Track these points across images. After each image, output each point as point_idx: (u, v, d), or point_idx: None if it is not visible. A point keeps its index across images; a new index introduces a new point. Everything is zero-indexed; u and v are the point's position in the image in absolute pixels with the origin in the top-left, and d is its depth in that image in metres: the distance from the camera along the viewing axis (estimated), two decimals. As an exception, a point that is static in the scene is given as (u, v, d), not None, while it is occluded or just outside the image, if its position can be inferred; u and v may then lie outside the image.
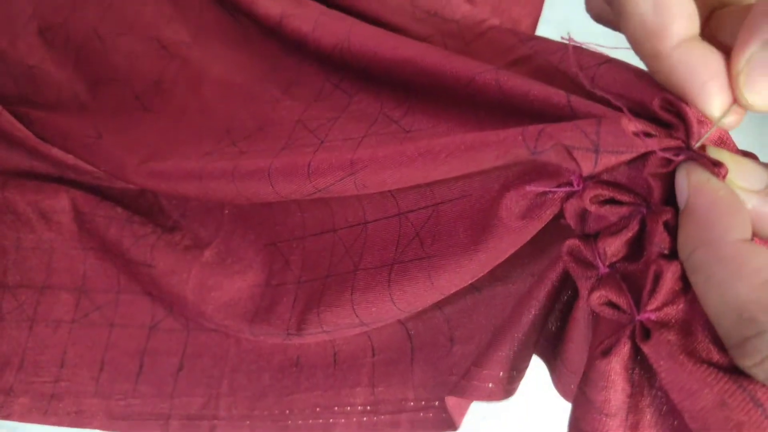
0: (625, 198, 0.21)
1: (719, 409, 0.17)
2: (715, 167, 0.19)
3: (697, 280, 0.18)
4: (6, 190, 0.42)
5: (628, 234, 0.21)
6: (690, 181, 0.19)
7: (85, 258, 0.42)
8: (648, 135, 0.20)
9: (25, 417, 0.39)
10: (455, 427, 0.35)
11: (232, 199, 0.39)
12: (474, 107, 0.27)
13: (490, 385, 0.28)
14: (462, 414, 0.35)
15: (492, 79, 0.27)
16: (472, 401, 0.35)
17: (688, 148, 0.20)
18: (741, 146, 0.21)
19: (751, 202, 0.19)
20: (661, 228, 0.19)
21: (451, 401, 0.33)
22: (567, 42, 0.24)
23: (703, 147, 0.20)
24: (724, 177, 0.19)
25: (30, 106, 0.44)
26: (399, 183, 0.28)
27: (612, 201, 0.21)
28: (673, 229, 0.19)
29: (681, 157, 0.20)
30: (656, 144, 0.20)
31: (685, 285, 0.19)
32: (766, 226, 0.19)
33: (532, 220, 0.23)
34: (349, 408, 0.35)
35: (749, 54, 0.18)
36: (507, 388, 0.28)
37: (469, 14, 0.37)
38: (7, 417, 0.39)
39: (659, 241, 0.20)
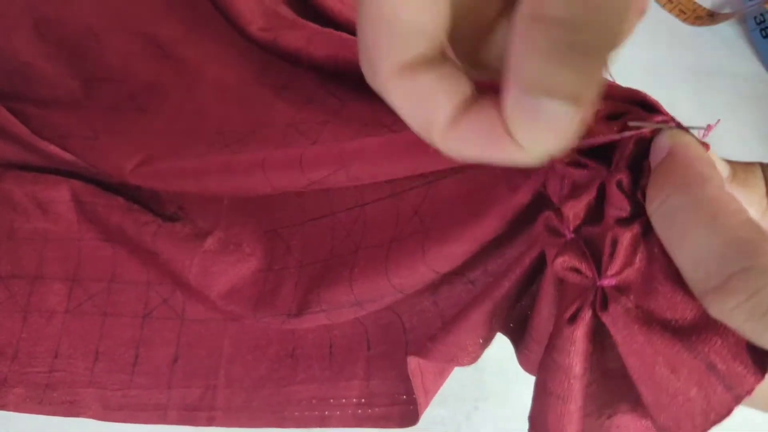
0: (586, 161, 0.21)
1: (672, 375, 0.18)
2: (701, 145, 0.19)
3: (670, 226, 0.17)
4: (2, 182, 0.41)
5: (587, 197, 0.21)
6: (673, 141, 0.19)
7: (80, 248, 0.42)
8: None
9: (20, 407, 0.39)
10: (416, 420, 0.35)
11: (230, 194, 0.39)
12: None
13: (454, 349, 0.28)
14: (427, 400, 0.34)
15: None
16: (439, 382, 0.35)
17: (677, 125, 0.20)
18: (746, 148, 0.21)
19: None
20: (614, 188, 0.20)
21: (412, 362, 0.32)
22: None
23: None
24: None
25: (25, 102, 0.43)
26: (391, 174, 0.29)
27: (578, 164, 0.22)
28: (627, 191, 0.20)
29: (672, 124, 0.20)
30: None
31: (641, 245, 0.20)
32: None
33: (519, 190, 0.24)
34: (344, 400, 0.36)
35: (512, 100, 0.15)
36: (470, 354, 0.29)
37: None
38: (2, 407, 0.39)
39: (617, 202, 0.20)
